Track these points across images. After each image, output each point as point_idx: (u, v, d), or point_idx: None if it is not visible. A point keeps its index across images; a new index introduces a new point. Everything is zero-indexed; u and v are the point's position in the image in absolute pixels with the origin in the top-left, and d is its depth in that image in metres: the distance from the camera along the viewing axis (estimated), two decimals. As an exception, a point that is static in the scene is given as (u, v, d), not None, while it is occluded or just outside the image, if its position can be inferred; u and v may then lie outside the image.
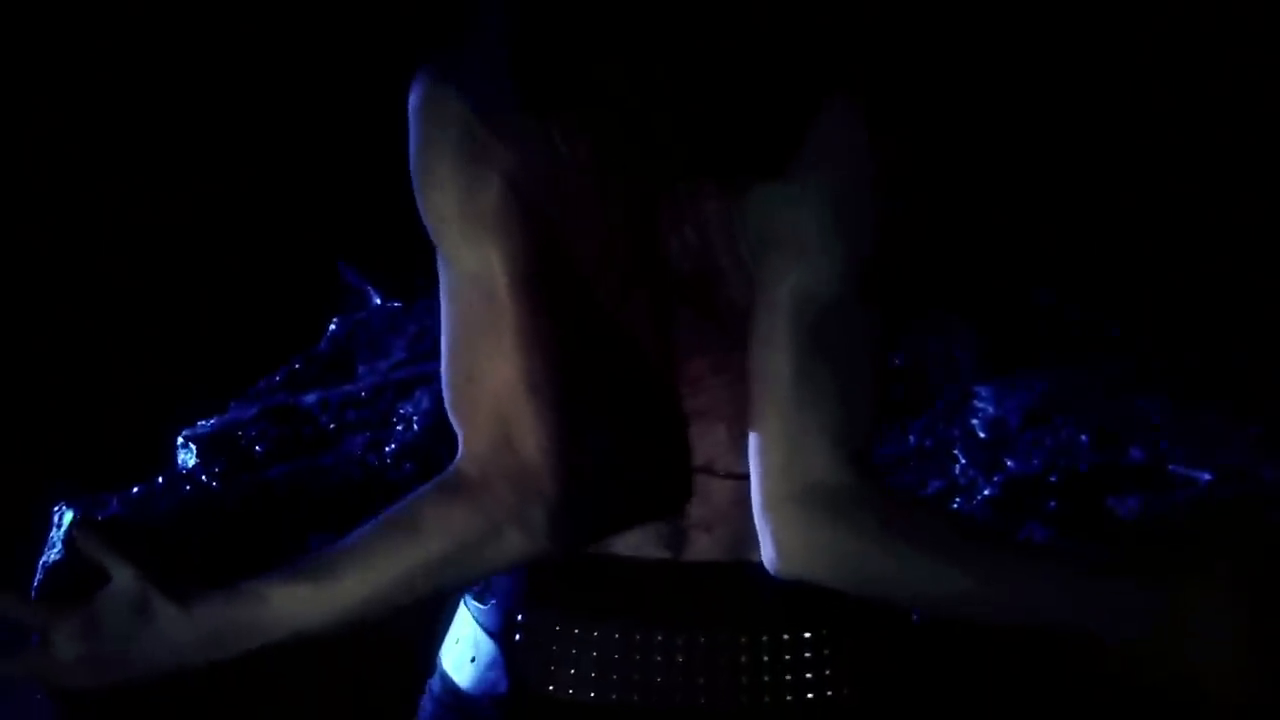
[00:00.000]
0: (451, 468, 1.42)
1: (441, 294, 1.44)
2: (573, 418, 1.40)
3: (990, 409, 2.92)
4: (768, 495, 1.39)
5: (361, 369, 3.04)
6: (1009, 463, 2.90)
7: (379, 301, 3.06)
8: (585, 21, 1.40)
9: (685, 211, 1.43)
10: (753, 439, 1.40)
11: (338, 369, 3.04)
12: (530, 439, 1.39)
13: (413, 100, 1.43)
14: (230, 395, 3.00)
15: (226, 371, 2.97)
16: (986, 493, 2.87)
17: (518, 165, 1.40)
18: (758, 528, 1.40)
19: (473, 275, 1.41)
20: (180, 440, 2.96)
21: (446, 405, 1.44)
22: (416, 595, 1.40)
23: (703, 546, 1.47)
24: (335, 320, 3.07)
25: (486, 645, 1.50)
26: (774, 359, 1.39)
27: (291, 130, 2.85)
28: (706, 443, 1.47)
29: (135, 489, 2.89)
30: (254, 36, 2.77)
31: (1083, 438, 2.88)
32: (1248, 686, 1.33)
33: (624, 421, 1.46)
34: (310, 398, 3.02)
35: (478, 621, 1.51)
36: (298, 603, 1.39)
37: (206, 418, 2.98)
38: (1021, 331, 2.93)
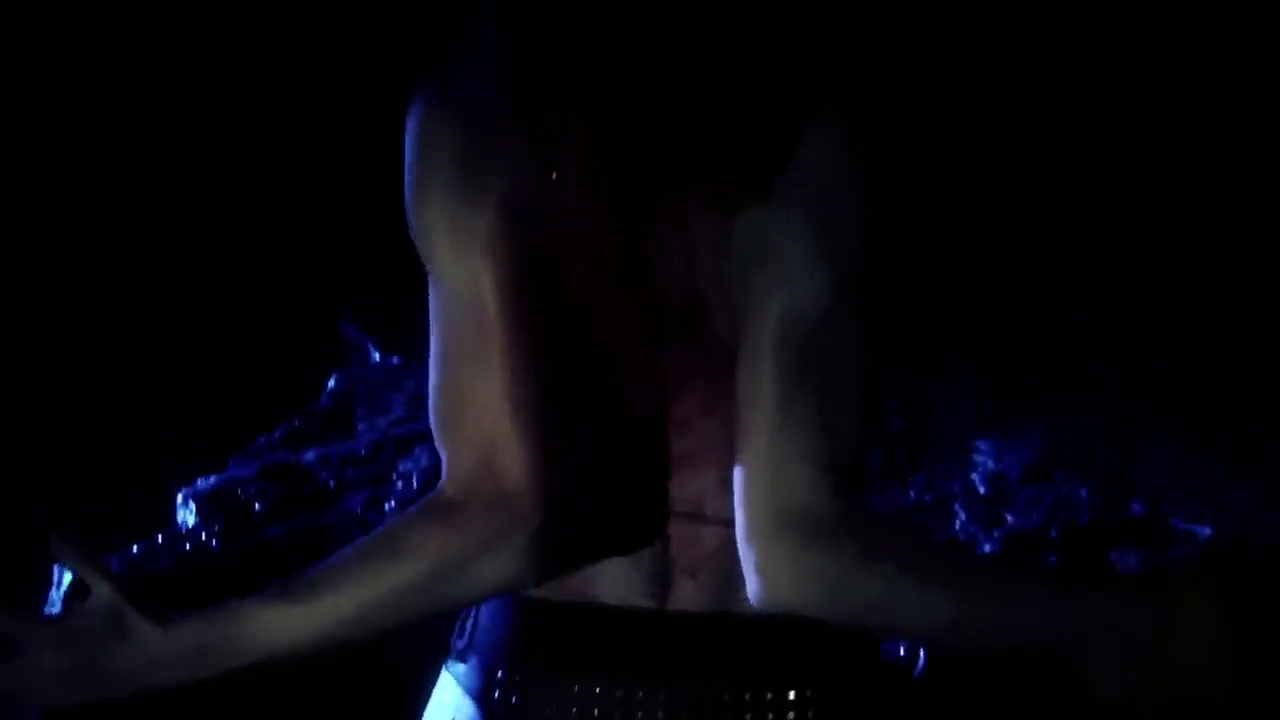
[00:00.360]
0: (434, 491, 1.41)
1: (431, 315, 1.44)
2: (557, 444, 1.39)
3: (990, 463, 2.91)
4: (751, 522, 1.38)
5: (361, 426, 3.03)
6: (1009, 518, 2.89)
7: (379, 357, 3.05)
8: (579, 36, 1.40)
9: (674, 240, 1.43)
10: (737, 465, 1.39)
11: (337, 426, 3.03)
12: (513, 463, 1.38)
13: (409, 117, 1.44)
14: (229, 452, 2.99)
15: (225, 429, 2.96)
16: (987, 548, 2.86)
17: (511, 187, 1.40)
18: (741, 557, 1.39)
19: (462, 294, 1.41)
20: (180, 498, 2.94)
21: (432, 428, 1.43)
22: (394, 619, 1.39)
23: (688, 594, 1.46)
24: (335, 377, 3.06)
25: (467, 707, 1.48)
26: (758, 381, 1.38)
27: (290, 185, 2.85)
28: (695, 485, 1.46)
29: (135, 547, 2.88)
30: (247, 83, 2.78)
31: (1083, 492, 2.87)
32: (1240, 707, 1.32)
33: (611, 453, 1.45)
34: (310, 455, 3.00)
35: (459, 683, 1.50)
36: (273, 621, 1.37)
37: (206, 475, 2.97)
38: (1021, 378, 2.92)
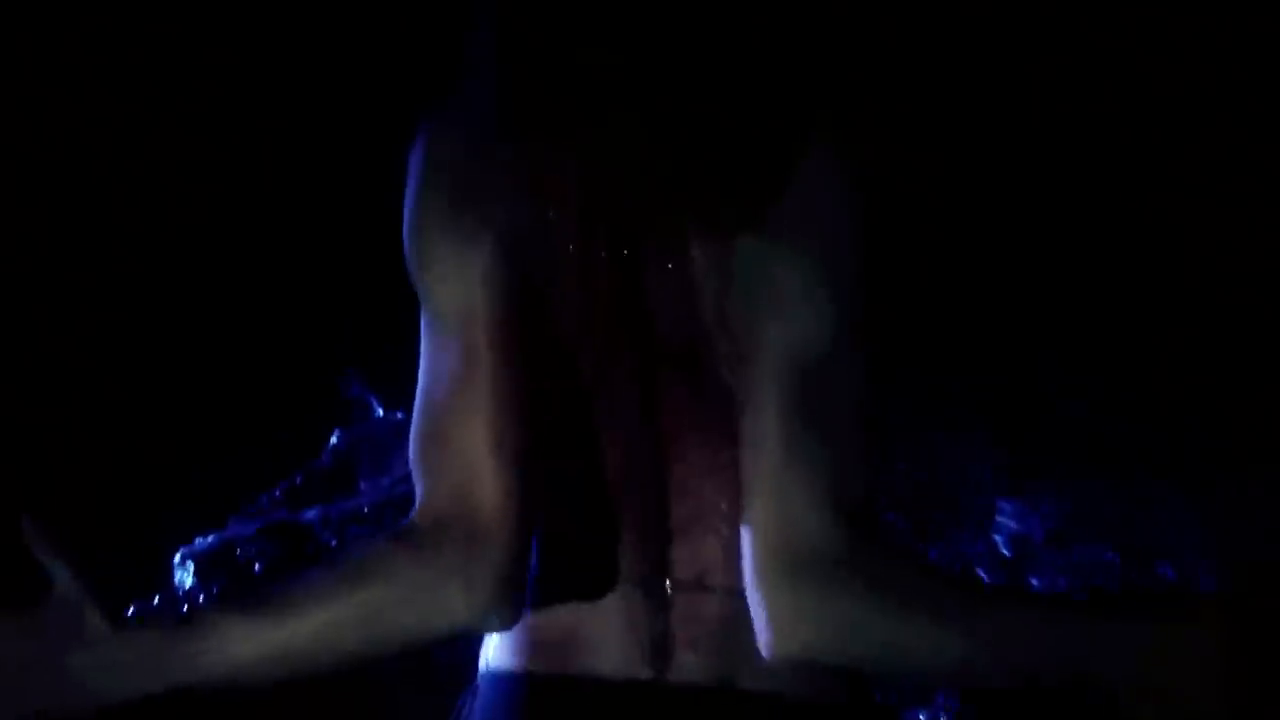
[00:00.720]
0: (406, 518, 1.39)
1: (421, 345, 1.43)
2: (537, 482, 1.38)
3: (1014, 525, 2.90)
4: (759, 567, 1.35)
5: (363, 484, 3.03)
6: (1033, 581, 2.86)
7: (381, 414, 3.06)
8: (577, 70, 1.41)
9: (673, 279, 1.42)
10: (744, 511, 1.37)
11: (339, 483, 3.03)
12: (489, 496, 1.36)
13: (410, 152, 1.45)
14: (229, 511, 2.97)
15: (225, 487, 2.94)
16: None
17: (508, 221, 1.40)
18: (751, 608, 1.36)
19: (454, 325, 1.40)
20: (178, 558, 2.92)
21: (410, 458, 1.41)
22: (358, 644, 1.36)
23: (689, 665, 1.42)
24: (337, 433, 3.07)
25: (462, 789, 1.45)
26: (760, 424, 1.37)
27: (293, 239, 2.86)
28: (696, 554, 1.43)
29: (131, 608, 2.85)
30: (251, 130, 2.79)
31: (1108, 555, 2.86)
32: None
33: (598, 506, 1.43)
34: (311, 513, 3.00)
35: (454, 766, 1.46)
36: (236, 633, 1.35)
37: (205, 534, 2.95)
38: (1045, 443, 2.92)
